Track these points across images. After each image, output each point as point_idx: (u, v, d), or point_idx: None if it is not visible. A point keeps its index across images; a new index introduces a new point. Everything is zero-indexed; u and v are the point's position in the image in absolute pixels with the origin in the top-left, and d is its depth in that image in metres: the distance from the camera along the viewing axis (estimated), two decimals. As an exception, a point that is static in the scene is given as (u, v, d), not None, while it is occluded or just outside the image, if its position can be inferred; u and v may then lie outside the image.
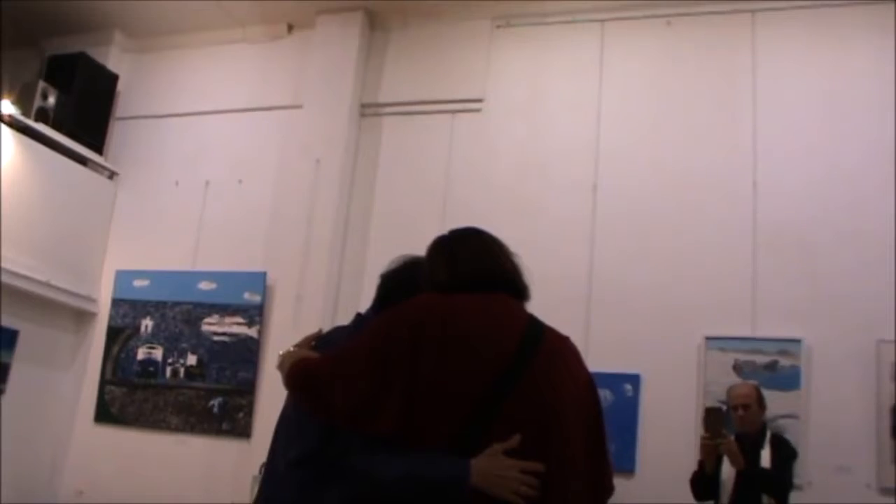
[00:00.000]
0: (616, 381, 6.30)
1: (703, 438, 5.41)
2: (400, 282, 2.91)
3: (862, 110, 6.41)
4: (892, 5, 6.41)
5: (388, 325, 2.45)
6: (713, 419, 5.38)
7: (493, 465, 2.23)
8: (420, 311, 2.45)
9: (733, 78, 6.73)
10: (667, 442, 6.15)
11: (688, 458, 5.89)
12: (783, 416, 5.86)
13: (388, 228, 7.22)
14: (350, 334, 2.75)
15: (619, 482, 6.04)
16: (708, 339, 6.19)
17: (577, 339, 6.36)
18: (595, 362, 6.42)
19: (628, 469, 6.14)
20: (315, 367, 2.57)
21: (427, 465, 2.25)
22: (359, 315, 3.01)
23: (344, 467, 2.37)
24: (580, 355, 2.79)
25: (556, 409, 2.47)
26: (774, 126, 6.52)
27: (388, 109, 7.55)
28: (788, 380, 5.98)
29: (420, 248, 7.24)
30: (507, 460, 2.24)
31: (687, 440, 6.00)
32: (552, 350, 2.58)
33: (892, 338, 5.70)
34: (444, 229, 6.87)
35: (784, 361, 6.03)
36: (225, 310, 7.33)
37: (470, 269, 2.66)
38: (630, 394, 6.28)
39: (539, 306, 6.82)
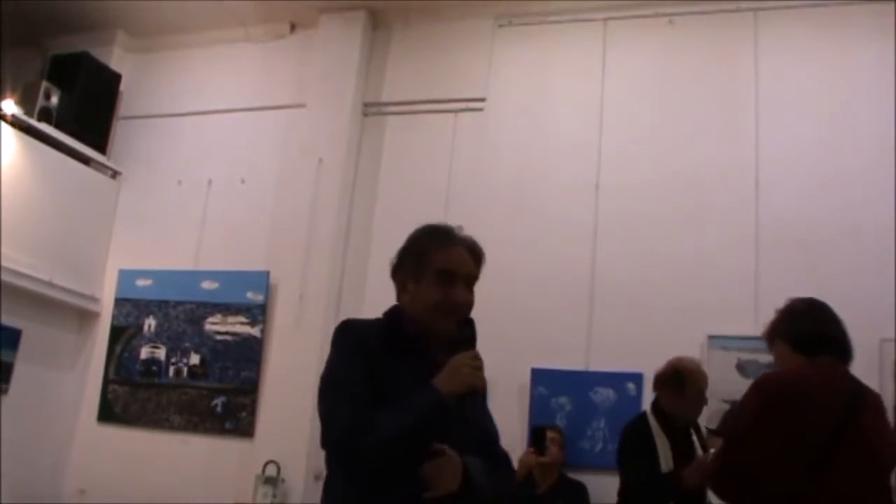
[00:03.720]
0: (619, 379, 6.30)
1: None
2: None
3: (864, 109, 6.41)
4: (894, 5, 6.41)
5: (753, 412, 3.39)
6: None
7: (447, 369, 2.60)
8: (765, 392, 3.42)
9: (735, 77, 6.73)
10: (669, 441, 6.14)
11: (690, 457, 5.88)
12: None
13: (390, 227, 7.21)
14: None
15: (616, 480, 5.97)
16: (711, 337, 6.19)
17: (579, 339, 6.37)
18: (598, 361, 6.50)
19: (631, 468, 6.15)
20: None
21: (408, 409, 2.50)
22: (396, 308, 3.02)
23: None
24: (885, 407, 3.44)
25: (883, 456, 3.26)
26: (776, 125, 6.52)
27: (390, 109, 7.56)
28: (791, 379, 5.98)
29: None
30: (456, 358, 2.63)
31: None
32: (872, 406, 3.37)
33: (895, 336, 5.70)
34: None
35: (787, 360, 6.02)
36: (228, 309, 7.34)
37: (812, 335, 3.66)
38: (633, 392, 6.27)
39: (541, 305, 6.83)
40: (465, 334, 2.73)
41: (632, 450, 5.00)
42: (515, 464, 6.09)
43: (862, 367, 5.75)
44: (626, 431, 5.16)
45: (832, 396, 3.30)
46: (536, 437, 5.90)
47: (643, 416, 5.20)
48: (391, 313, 2.93)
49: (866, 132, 6.35)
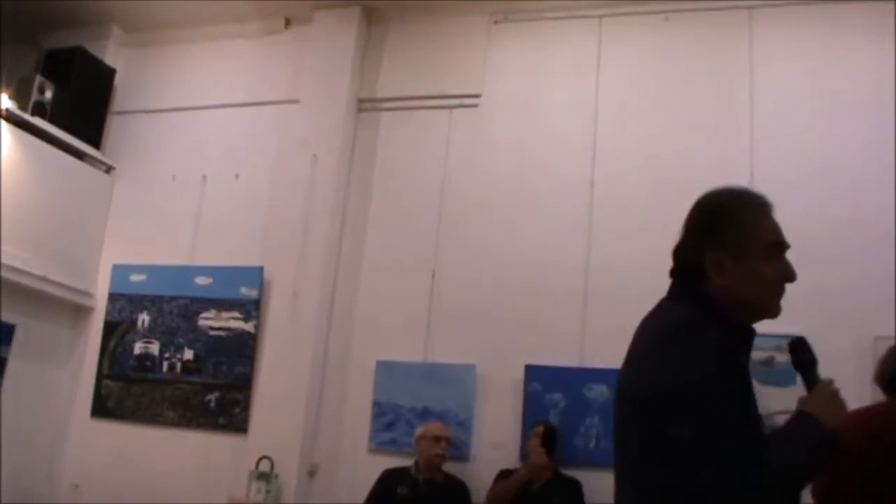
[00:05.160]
0: (613, 376, 6.21)
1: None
2: None
3: (858, 107, 6.42)
4: (891, 3, 6.43)
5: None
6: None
7: (824, 398, 2.25)
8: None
9: (730, 74, 6.74)
10: (663, 437, 6.14)
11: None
12: (780, 412, 5.85)
13: (384, 224, 7.23)
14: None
15: (610, 477, 6.00)
16: (703, 334, 6.18)
17: (573, 334, 6.37)
18: (591, 357, 6.51)
19: (623, 464, 6.15)
20: None
21: (799, 445, 2.14)
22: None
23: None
24: None
25: None
26: (771, 121, 6.53)
27: (385, 105, 7.55)
28: (785, 376, 5.98)
29: (416, 244, 7.21)
30: (827, 387, 2.30)
31: (682, 435, 6.00)
32: None
33: (890, 334, 5.69)
34: (440, 225, 6.87)
35: (780, 357, 6.02)
36: (222, 304, 7.33)
37: (889, 374, 3.97)
38: (626, 390, 6.27)
39: (537, 301, 6.82)
40: (807, 354, 2.39)
41: None
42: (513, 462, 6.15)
43: (856, 365, 5.78)
44: None
45: (889, 427, 3.51)
46: (550, 436, 5.99)
47: None
48: (711, 300, 2.37)
49: (861, 130, 6.36)
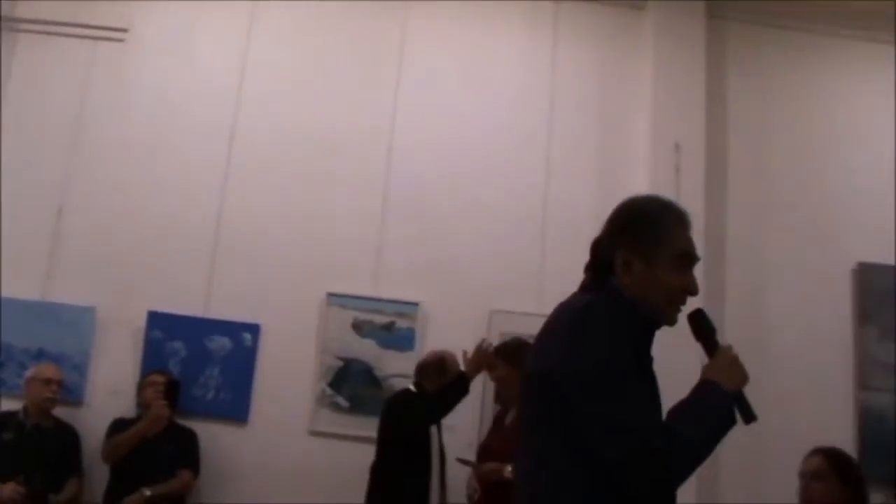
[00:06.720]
0: (236, 329, 6.33)
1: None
2: None
3: (498, 94, 6.90)
4: (544, 3, 6.84)
5: None
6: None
7: (724, 363, 2.40)
8: None
9: (382, 47, 6.95)
10: (282, 393, 6.24)
11: (302, 410, 6.05)
12: (397, 375, 6.10)
13: (11, 153, 6.80)
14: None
15: (232, 431, 6.14)
16: (330, 295, 6.34)
17: (199, 284, 6.30)
18: (216, 308, 6.48)
19: (242, 418, 6.20)
20: None
21: (706, 414, 2.28)
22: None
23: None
24: None
25: None
26: (415, 98, 6.82)
27: (24, 26, 7.12)
28: (404, 340, 6.24)
29: (44, 176, 6.80)
30: (727, 352, 2.44)
31: (303, 392, 6.19)
32: None
33: (505, 308, 6.11)
34: (73, 159, 6.55)
35: (401, 323, 6.27)
36: None
37: None
38: (249, 343, 6.31)
39: (166, 247, 6.68)
40: (708, 325, 2.49)
41: (407, 405, 5.51)
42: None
43: (471, 334, 6.06)
44: (397, 398, 5.63)
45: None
46: (173, 388, 5.94)
47: (408, 390, 5.62)
48: (618, 294, 2.45)
49: (497, 114, 6.84)
